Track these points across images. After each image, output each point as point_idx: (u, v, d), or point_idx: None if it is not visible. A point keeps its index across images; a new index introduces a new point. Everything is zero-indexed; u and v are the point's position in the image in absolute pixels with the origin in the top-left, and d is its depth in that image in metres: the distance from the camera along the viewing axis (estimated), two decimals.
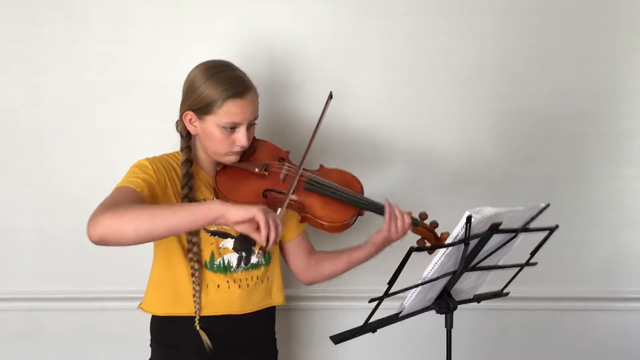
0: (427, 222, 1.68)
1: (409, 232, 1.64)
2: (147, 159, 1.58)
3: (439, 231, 1.69)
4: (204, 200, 1.61)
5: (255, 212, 1.31)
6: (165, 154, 1.66)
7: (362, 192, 1.69)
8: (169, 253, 1.60)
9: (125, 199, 1.41)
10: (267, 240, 1.33)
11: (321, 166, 1.74)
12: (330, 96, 1.67)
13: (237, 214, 1.32)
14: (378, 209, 1.63)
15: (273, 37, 2.00)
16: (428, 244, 1.67)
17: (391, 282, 1.26)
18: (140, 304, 1.67)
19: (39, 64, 2.02)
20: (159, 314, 1.63)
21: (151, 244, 1.64)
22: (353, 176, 1.72)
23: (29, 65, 2.02)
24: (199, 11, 1.99)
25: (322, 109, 1.65)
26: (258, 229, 1.33)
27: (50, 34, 2.00)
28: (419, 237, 1.68)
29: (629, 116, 2.05)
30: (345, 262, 1.70)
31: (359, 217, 1.65)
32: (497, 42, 2.01)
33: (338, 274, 1.75)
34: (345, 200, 1.63)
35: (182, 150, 1.63)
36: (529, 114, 2.05)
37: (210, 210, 1.33)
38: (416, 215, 1.67)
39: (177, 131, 1.66)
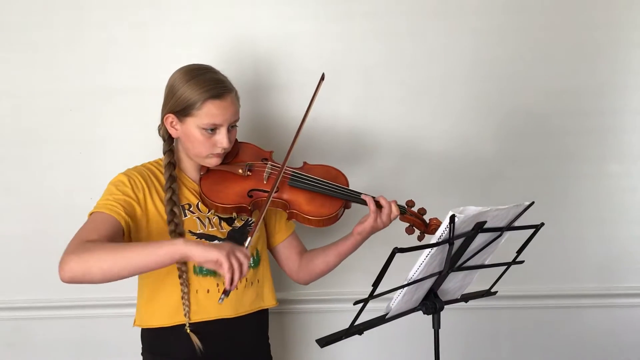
0: (414, 209, 1.69)
1: (396, 220, 1.64)
2: (125, 173, 1.58)
3: (427, 217, 1.69)
4: (188, 205, 1.61)
5: (218, 255, 1.30)
6: (147, 162, 1.66)
7: (347, 184, 1.69)
8: None
9: (98, 230, 1.42)
10: (232, 282, 1.32)
11: (305, 163, 1.74)
12: (322, 77, 1.67)
13: (200, 256, 1.31)
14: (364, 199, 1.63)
15: (256, 39, 2.00)
16: (417, 232, 1.68)
17: (376, 284, 1.26)
18: (135, 321, 1.65)
19: (22, 71, 2.01)
20: (155, 326, 1.61)
21: None
22: (337, 170, 1.72)
23: (12, 73, 2.01)
24: (181, 15, 1.99)
25: (314, 90, 1.65)
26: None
27: (32, 41, 1.99)
28: (406, 224, 1.68)
29: (616, 112, 2.06)
30: (335, 255, 1.71)
31: (345, 209, 1.66)
32: (485, 40, 2.01)
33: (331, 269, 1.75)
34: (331, 193, 1.63)
35: (164, 153, 1.63)
36: (517, 111, 2.05)
37: (174, 252, 1.32)
38: (403, 203, 1.67)
39: (160, 135, 1.66)
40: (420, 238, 1.68)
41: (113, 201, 1.49)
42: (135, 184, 1.55)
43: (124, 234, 1.49)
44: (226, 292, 1.35)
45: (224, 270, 1.31)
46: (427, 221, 1.68)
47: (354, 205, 1.67)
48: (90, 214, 1.49)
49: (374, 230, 1.63)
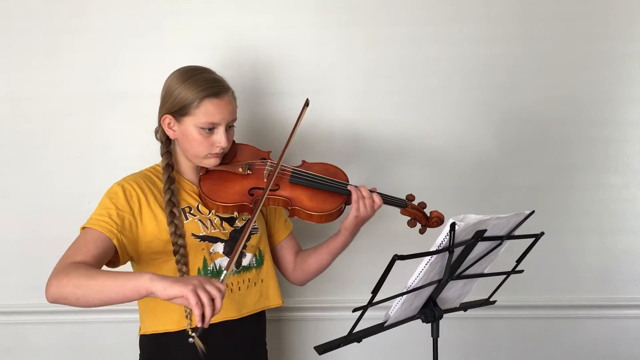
0: (415, 202, 1.70)
1: (398, 218, 1.64)
2: (120, 183, 1.55)
3: (427, 211, 1.69)
4: (188, 208, 1.60)
5: (183, 290, 1.20)
6: (144, 169, 1.65)
7: (347, 181, 1.69)
8: (159, 271, 1.54)
9: (86, 248, 1.41)
10: (203, 318, 1.21)
11: (303, 161, 1.75)
12: (307, 103, 1.68)
13: (166, 292, 1.22)
14: None
15: (256, 46, 2.00)
16: (419, 225, 1.69)
17: (375, 291, 1.25)
18: (140, 330, 1.63)
19: (22, 74, 2.01)
20: (161, 331, 1.59)
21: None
22: (336, 167, 1.73)
23: (12, 76, 2.01)
24: (183, 21, 1.99)
25: (298, 116, 1.66)
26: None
27: (33, 45, 2.00)
28: (408, 218, 1.69)
29: (617, 124, 2.05)
30: (327, 252, 1.71)
31: (346, 205, 1.66)
32: (484, 49, 2.01)
33: (325, 267, 1.75)
34: (332, 189, 1.64)
35: (162, 155, 1.62)
36: (518, 121, 2.05)
37: (139, 287, 1.25)
38: (403, 197, 1.69)
39: (157, 139, 1.65)
40: (422, 231, 1.68)
41: (106, 216, 1.47)
42: (130, 194, 1.53)
43: (118, 250, 1.46)
44: (197, 330, 1.22)
45: (192, 306, 1.20)
46: (428, 214, 1.69)
47: None
48: (82, 228, 1.47)
49: (359, 221, 1.62)
